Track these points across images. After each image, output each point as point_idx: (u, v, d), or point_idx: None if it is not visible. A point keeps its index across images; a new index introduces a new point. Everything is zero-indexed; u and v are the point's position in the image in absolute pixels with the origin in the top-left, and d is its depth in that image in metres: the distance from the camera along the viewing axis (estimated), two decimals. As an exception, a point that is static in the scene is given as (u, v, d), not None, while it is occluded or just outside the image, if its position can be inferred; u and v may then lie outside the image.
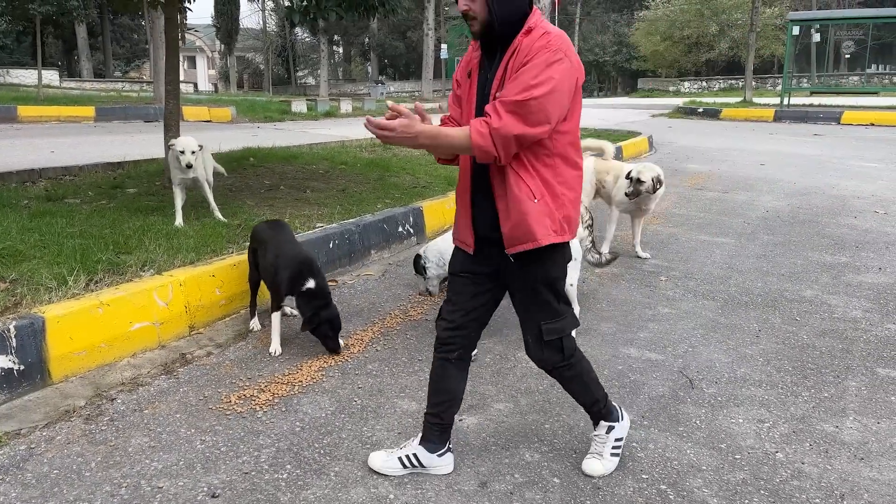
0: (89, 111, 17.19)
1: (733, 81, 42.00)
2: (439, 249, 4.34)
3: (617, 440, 2.84)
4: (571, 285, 4.13)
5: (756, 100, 27.39)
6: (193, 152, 5.34)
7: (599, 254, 4.81)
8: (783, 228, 7.19)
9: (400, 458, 2.76)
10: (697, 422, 3.23)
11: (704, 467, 2.86)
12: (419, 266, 4.47)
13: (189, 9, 7.02)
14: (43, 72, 34.26)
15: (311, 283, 3.78)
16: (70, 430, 3.00)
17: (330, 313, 3.80)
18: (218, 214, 5.65)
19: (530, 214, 2.35)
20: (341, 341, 3.93)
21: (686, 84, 44.94)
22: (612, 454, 2.83)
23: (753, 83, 30.10)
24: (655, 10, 47.24)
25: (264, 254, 3.97)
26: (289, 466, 2.78)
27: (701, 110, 24.07)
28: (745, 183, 10.03)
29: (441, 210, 6.30)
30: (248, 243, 4.32)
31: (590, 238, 4.73)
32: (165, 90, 6.34)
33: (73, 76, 40.25)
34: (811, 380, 3.70)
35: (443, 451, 2.78)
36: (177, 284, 3.96)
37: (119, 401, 3.29)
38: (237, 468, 2.77)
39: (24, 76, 30.78)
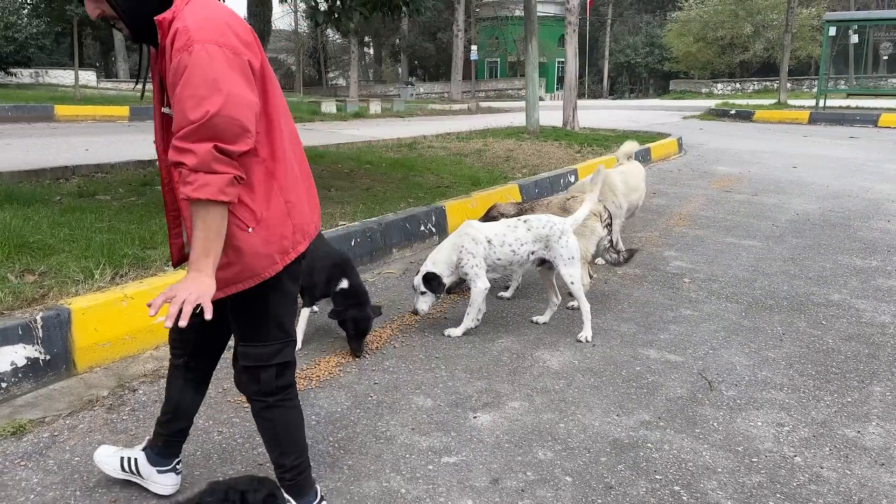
0: (124, 111, 17.53)
1: (768, 83, 41.32)
2: (444, 260, 4.20)
3: None
4: (573, 283, 4.12)
5: (791, 102, 26.91)
6: None
7: (617, 252, 4.78)
8: (813, 231, 7.06)
9: (121, 459, 2.55)
10: (715, 424, 3.20)
11: (720, 469, 2.82)
12: (436, 284, 4.15)
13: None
14: (80, 72, 35.03)
15: (344, 283, 3.78)
16: (92, 419, 3.07)
17: (359, 313, 3.77)
18: None
19: None
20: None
21: (719, 86, 44.34)
22: None
23: (789, 85, 29.61)
24: (688, 11, 46.70)
25: None
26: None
27: (733, 112, 23.72)
28: (775, 186, 9.87)
29: (464, 209, 6.31)
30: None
31: (608, 237, 4.70)
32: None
33: (109, 77, 41.12)
34: (834, 384, 3.63)
35: (165, 469, 2.53)
36: (200, 279, 4.02)
37: (141, 391, 3.36)
38: (252, 459, 2.81)
39: (63, 76, 31.48)
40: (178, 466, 2.58)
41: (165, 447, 2.53)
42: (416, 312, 4.19)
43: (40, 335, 3.24)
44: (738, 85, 43.99)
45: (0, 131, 12.96)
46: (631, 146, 6.25)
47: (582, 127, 15.81)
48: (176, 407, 2.49)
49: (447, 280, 4.23)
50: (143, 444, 2.58)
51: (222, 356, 2.57)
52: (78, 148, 10.30)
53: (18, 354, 3.16)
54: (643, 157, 11.65)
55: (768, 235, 6.88)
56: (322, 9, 5.53)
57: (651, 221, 7.29)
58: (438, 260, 4.20)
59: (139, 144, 10.21)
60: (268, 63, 2.07)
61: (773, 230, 7.12)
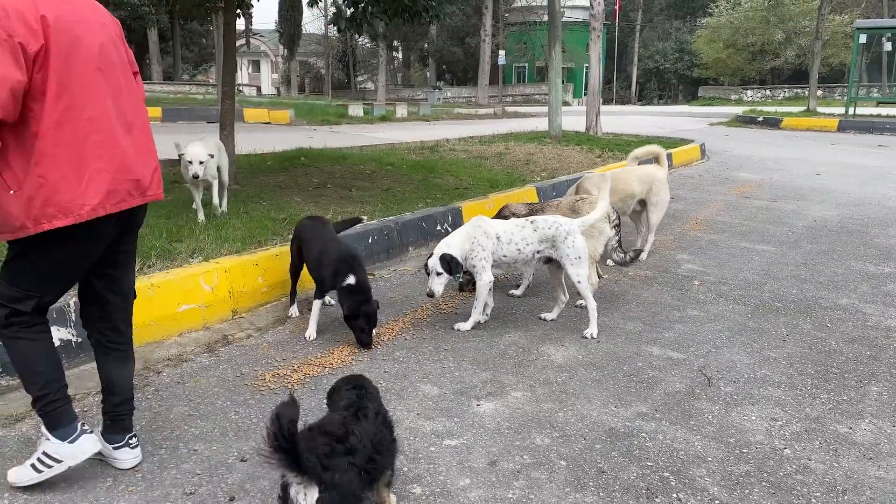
0: (156, 112, 18.00)
1: (799, 90, 40.85)
2: (458, 245, 4.30)
3: (45, 454, 2.53)
4: (580, 282, 4.25)
5: (821, 109, 26.63)
6: (202, 162, 5.42)
7: (624, 253, 4.91)
8: (828, 238, 7.10)
9: (32, 465, 2.57)
10: (710, 417, 3.31)
11: (710, 458, 2.94)
12: (454, 265, 4.23)
13: (245, 14, 7.38)
14: (116, 74, 35.71)
15: (351, 279, 3.95)
16: (119, 398, 3.28)
17: (369, 308, 3.95)
18: (223, 209, 5.84)
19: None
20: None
21: (749, 92, 43.94)
22: (33, 465, 2.54)
23: (820, 92, 29.33)
24: (719, 17, 46.41)
25: (308, 249, 4.20)
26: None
27: (761, 119, 23.57)
28: (796, 192, 9.88)
29: (480, 210, 6.46)
30: (291, 236, 4.57)
31: (616, 238, 4.83)
32: (222, 91, 6.70)
33: (144, 79, 41.95)
34: (832, 383, 3.72)
35: (119, 445, 2.70)
36: (222, 271, 4.24)
37: (164, 374, 3.57)
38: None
39: (98, 79, 32.10)
40: (131, 441, 2.75)
41: (113, 423, 2.72)
42: (431, 295, 4.27)
43: (73, 318, 3.46)
44: (768, 92, 43.54)
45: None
46: (640, 150, 6.33)
47: (605, 132, 15.88)
48: (107, 381, 2.73)
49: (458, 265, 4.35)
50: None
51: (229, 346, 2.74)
52: (111, 147, 10.65)
53: (53, 336, 3.37)
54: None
55: (783, 241, 6.93)
56: (345, 15, 5.74)
57: (666, 225, 7.36)
58: (453, 244, 4.30)
59: (169, 144, 10.54)
60: (84, 47, 2.34)
61: (789, 236, 7.16)
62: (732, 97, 43.91)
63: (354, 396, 2.42)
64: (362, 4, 5.69)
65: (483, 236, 4.29)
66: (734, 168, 12.45)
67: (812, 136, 19.74)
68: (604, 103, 51.32)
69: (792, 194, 9.73)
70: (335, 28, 6.23)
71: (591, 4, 15.52)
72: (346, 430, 2.17)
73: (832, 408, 3.44)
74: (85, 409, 3.14)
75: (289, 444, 1.94)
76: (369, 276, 5.17)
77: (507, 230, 4.33)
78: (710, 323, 4.59)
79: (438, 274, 4.23)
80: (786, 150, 15.74)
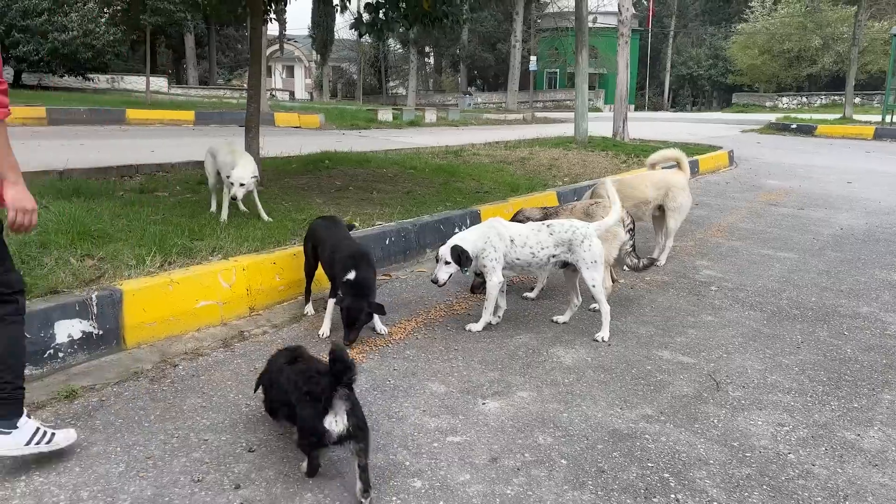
0: (190, 115, 18.38)
1: (836, 98, 40.11)
2: (472, 241, 4.34)
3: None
4: (594, 286, 4.26)
5: (857, 117, 26.15)
6: (242, 184, 5.46)
7: (638, 258, 4.90)
8: (854, 246, 7.00)
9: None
10: (715, 420, 3.32)
11: (712, 461, 2.95)
12: (464, 258, 4.27)
13: (274, 20, 7.54)
14: (153, 79, 36.55)
15: (351, 275, 3.99)
16: (136, 388, 3.40)
17: (352, 303, 3.88)
18: (265, 216, 5.88)
19: None
20: (385, 328, 4.22)
21: (784, 99, 43.29)
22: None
23: (857, 100, 28.82)
24: (754, 23, 45.80)
25: (323, 248, 4.29)
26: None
27: (794, 126, 23.22)
28: (824, 200, 9.74)
29: (499, 213, 6.49)
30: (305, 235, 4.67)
31: (630, 242, 4.83)
32: (248, 95, 6.85)
33: (181, 83, 42.81)
34: (844, 391, 3.69)
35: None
36: (240, 269, 4.36)
37: (181, 367, 3.68)
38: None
39: (137, 83, 32.98)
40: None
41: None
42: (435, 281, 4.30)
43: (95, 312, 3.60)
44: (804, 99, 42.84)
45: (76, 133, 13.81)
46: (657, 155, 6.33)
47: (632, 138, 15.81)
48: None
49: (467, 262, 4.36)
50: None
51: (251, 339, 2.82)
52: (144, 149, 10.94)
53: (75, 328, 3.52)
54: (690, 169, 11.61)
55: (806, 248, 6.86)
56: (365, 20, 5.86)
57: (688, 231, 7.33)
58: (467, 239, 4.33)
59: (199, 146, 10.78)
60: None
61: (813, 243, 7.08)
62: (767, 104, 43.29)
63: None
64: (382, 10, 5.81)
65: (497, 238, 4.33)
66: (763, 175, 12.30)
67: (847, 143, 19.39)
68: (635, 110, 51.19)
69: (820, 202, 9.60)
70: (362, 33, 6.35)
71: (619, 10, 15.47)
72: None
73: (841, 415, 3.42)
74: (103, 400, 3.26)
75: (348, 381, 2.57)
76: (385, 277, 5.28)
77: (521, 233, 4.36)
78: (725, 328, 4.58)
79: (447, 263, 4.26)
80: (818, 157, 15.50)
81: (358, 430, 2.58)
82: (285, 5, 8.13)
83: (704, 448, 3.06)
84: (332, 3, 5.81)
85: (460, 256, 4.25)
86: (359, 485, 2.57)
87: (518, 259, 4.34)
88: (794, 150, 17.03)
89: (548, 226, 4.39)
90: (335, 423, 2.55)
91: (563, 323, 4.58)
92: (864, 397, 3.62)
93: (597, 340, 4.27)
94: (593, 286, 4.29)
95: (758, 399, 3.56)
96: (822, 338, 4.47)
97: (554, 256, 4.32)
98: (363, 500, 2.54)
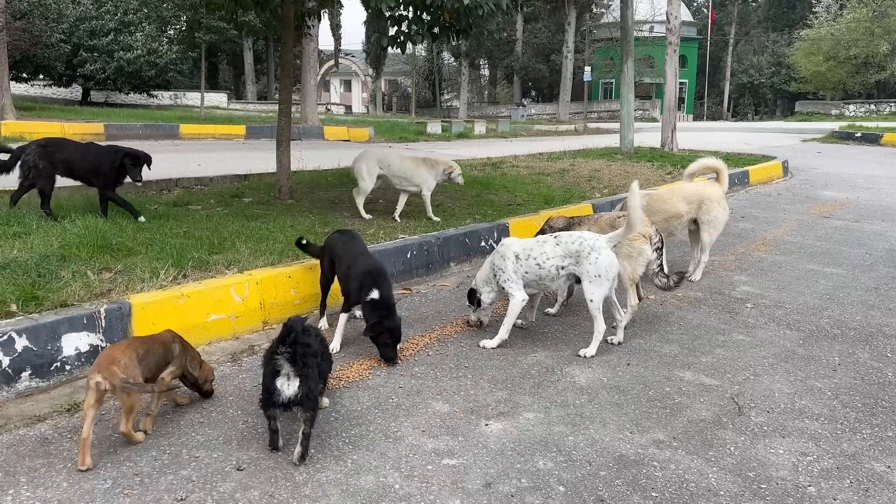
0: (241, 130, 18.79)
1: (907, 105, 38.41)
2: (482, 277, 4.44)
3: None
4: (592, 301, 4.09)
5: (928, 124, 24.91)
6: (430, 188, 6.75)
7: (667, 277, 4.67)
8: (909, 261, 6.59)
9: None
10: (732, 448, 3.11)
11: (722, 493, 2.76)
12: (473, 299, 4.48)
13: (309, 34, 7.59)
14: (213, 95, 37.66)
15: (375, 294, 3.95)
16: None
17: (392, 323, 3.93)
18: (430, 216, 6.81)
19: None
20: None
21: (851, 107, 41.57)
22: None
23: (928, 106, 27.38)
24: (818, 29, 44.28)
25: (340, 263, 4.25)
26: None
27: (859, 135, 22.25)
28: (883, 213, 9.24)
29: (529, 227, 6.36)
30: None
31: (658, 261, 4.62)
32: (279, 109, 6.92)
33: (240, 99, 44.01)
34: (879, 418, 3.43)
35: None
36: (254, 283, 4.35)
37: (186, 381, 3.67)
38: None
39: (198, 99, 33.96)
40: None
41: None
42: (468, 323, 4.61)
43: (103, 325, 3.63)
44: (872, 106, 41.06)
45: (130, 147, 14.25)
46: (695, 166, 6.07)
47: (681, 148, 15.39)
48: None
49: (486, 296, 4.40)
50: None
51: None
52: (192, 163, 11.19)
53: (82, 341, 3.56)
54: (740, 180, 11.21)
55: (857, 264, 6.48)
56: (388, 34, 5.84)
57: (728, 245, 7.04)
58: (478, 277, 4.49)
59: (245, 160, 10.98)
60: None
61: (865, 258, 6.69)
62: (833, 112, 41.65)
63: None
64: (405, 22, 5.78)
65: (500, 259, 4.28)
66: (819, 186, 11.78)
67: (915, 152, 18.46)
68: (694, 119, 50.02)
69: (878, 214, 9.11)
70: (423, 46, 6.34)
71: (667, 18, 15.12)
72: (311, 339, 2.98)
73: (873, 444, 3.17)
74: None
75: (292, 343, 2.86)
76: (405, 291, 5.21)
77: (525, 247, 4.25)
78: (755, 349, 4.33)
79: (469, 305, 4.55)
80: (882, 167, 14.78)
81: (306, 399, 2.87)
82: (319, 20, 8.18)
83: (716, 478, 2.86)
84: (385, 16, 5.79)
85: (469, 297, 4.51)
86: (298, 449, 2.90)
87: (526, 273, 4.22)
88: (857, 160, 16.30)
89: (555, 237, 4.26)
90: (287, 386, 2.87)
91: (619, 343, 4.37)
92: (902, 426, 3.35)
93: (580, 356, 4.11)
94: (591, 300, 4.11)
95: (782, 425, 3.33)
96: (862, 360, 4.18)
97: (563, 268, 4.17)
98: (297, 463, 2.88)
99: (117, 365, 2.88)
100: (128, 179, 5.81)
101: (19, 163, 5.69)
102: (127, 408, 2.91)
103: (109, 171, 5.72)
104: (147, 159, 5.89)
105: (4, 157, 5.72)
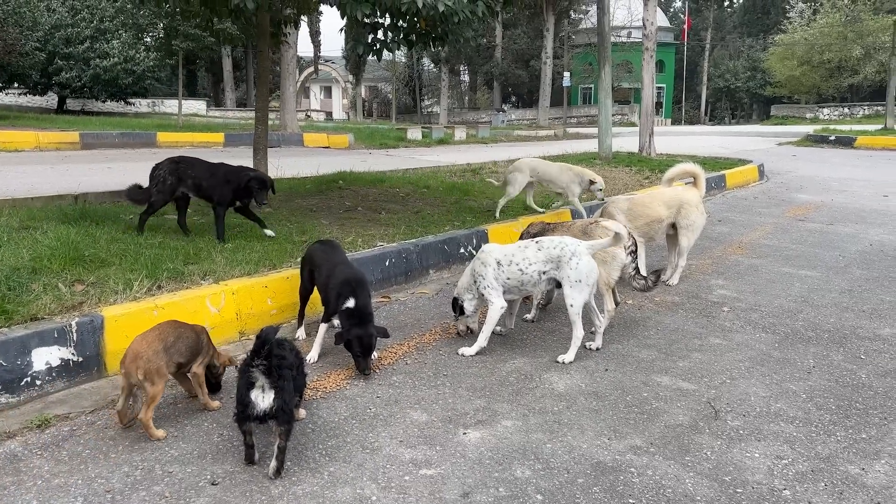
0: (219, 137, 18.67)
1: (880, 108, 38.97)
2: (463, 285, 4.43)
3: None
4: (572, 306, 4.11)
5: (900, 127, 25.32)
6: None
7: (644, 278, 4.71)
8: (882, 263, 6.68)
9: None
10: (708, 453, 3.13)
11: (699, 498, 2.77)
12: (456, 307, 4.48)
13: (286, 41, 7.57)
14: (192, 102, 37.41)
15: (350, 303, 3.92)
16: (110, 417, 3.34)
17: (361, 331, 3.86)
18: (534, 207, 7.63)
19: None
20: (375, 354, 4.10)
21: (825, 111, 42.25)
22: None
23: (898, 110, 27.83)
24: (792, 34, 44.95)
25: (319, 273, 4.22)
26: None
27: (833, 138, 22.59)
28: (856, 215, 9.37)
29: (507, 233, 6.38)
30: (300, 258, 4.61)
31: (633, 264, 4.64)
32: (255, 116, 6.87)
33: (219, 106, 43.77)
34: (853, 420, 3.46)
35: None
36: (230, 293, 4.31)
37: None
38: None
39: (175, 106, 33.74)
40: None
41: None
42: (458, 333, 4.57)
43: (74, 339, 3.57)
44: (846, 110, 41.76)
45: (106, 156, 14.12)
46: (673, 171, 6.13)
47: (659, 153, 15.52)
48: None
49: (468, 304, 4.39)
50: None
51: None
52: (168, 172, 11.08)
53: (53, 355, 3.50)
54: (717, 183, 11.32)
55: (831, 266, 6.56)
56: (364, 41, 5.83)
57: (706, 249, 7.09)
58: (459, 285, 4.47)
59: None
60: None
61: (839, 261, 6.78)
62: (808, 115, 42.32)
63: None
64: (381, 30, 5.77)
65: (481, 266, 4.28)
66: (794, 189, 11.93)
67: (888, 156, 18.76)
68: (672, 123, 50.49)
69: (852, 217, 9.23)
70: (403, 53, 6.33)
71: (644, 24, 15.26)
72: (286, 351, 3.04)
73: (847, 446, 3.20)
74: (74, 429, 3.21)
75: (267, 355, 2.87)
76: (383, 299, 5.18)
77: (507, 253, 4.26)
78: (732, 352, 4.36)
79: (454, 314, 4.55)
80: (856, 170, 15.01)
81: (281, 412, 2.85)
82: (297, 28, 8.17)
83: (693, 483, 2.87)
84: (362, 23, 5.78)
85: (453, 306, 4.50)
86: (273, 463, 2.87)
87: (508, 279, 4.22)
88: (831, 163, 16.53)
89: (536, 242, 4.27)
90: (262, 398, 2.85)
91: (597, 349, 4.37)
92: (874, 427, 3.38)
93: (558, 362, 4.11)
94: (571, 306, 4.12)
95: (758, 429, 3.35)
96: (836, 362, 4.22)
97: (544, 273, 4.19)
98: (272, 478, 2.85)
99: (140, 360, 3.06)
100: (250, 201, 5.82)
101: (150, 175, 5.84)
102: (150, 397, 3.09)
103: (235, 191, 5.71)
104: (272, 184, 5.93)
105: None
